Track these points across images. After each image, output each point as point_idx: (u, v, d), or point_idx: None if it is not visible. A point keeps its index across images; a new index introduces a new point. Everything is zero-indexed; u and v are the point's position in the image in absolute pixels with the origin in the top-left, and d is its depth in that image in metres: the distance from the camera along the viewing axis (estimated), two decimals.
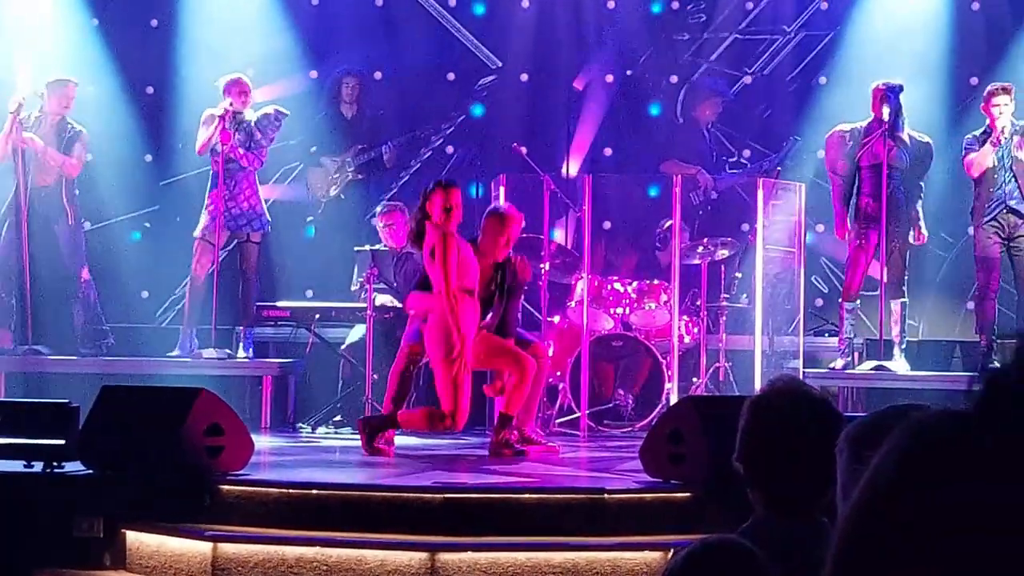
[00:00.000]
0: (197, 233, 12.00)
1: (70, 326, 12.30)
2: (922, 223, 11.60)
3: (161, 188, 13.69)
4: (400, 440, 10.57)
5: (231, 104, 11.84)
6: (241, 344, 12.03)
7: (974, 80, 13.31)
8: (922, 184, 11.71)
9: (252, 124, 12.01)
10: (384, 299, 11.72)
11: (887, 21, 13.47)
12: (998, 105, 11.39)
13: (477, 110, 14.24)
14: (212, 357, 11.69)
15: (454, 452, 9.98)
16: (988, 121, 11.52)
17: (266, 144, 12.11)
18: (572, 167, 12.94)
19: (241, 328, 12.07)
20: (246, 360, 11.90)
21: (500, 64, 14.14)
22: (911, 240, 11.59)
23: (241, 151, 11.90)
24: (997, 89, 11.54)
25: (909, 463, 1.13)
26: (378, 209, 12.35)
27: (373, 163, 13.60)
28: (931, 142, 11.80)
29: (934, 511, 0.95)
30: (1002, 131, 11.30)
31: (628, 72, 14.13)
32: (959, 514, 0.95)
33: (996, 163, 11.40)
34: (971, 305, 12.60)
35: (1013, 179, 11.42)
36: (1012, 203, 11.43)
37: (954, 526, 0.95)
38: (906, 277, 11.59)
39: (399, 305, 11.73)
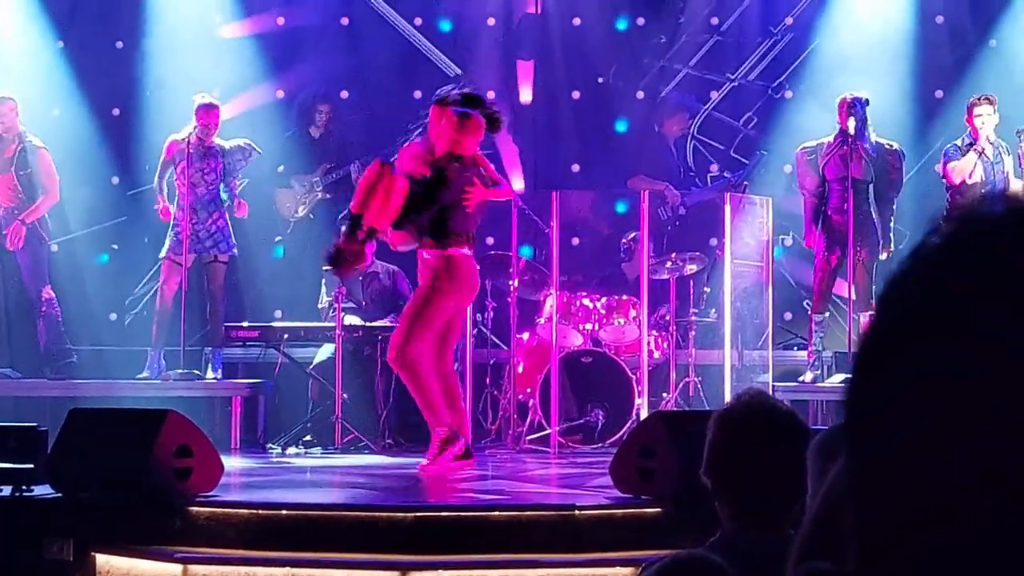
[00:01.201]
0: (163, 254, 11.97)
1: (34, 347, 12.25)
2: (890, 234, 11.62)
3: (128, 209, 13.65)
4: (369, 460, 10.57)
5: (196, 131, 11.81)
6: (210, 365, 12.00)
7: (939, 93, 13.39)
8: (894, 201, 11.73)
9: (222, 154, 11.97)
10: (352, 319, 11.71)
11: (853, 35, 13.54)
12: (980, 115, 11.48)
13: None
14: (179, 379, 11.67)
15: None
16: (970, 132, 11.59)
17: (235, 177, 12.10)
18: (516, 183, 12.93)
19: (210, 349, 12.05)
20: (215, 381, 11.88)
21: (460, 72, 14.14)
22: (880, 253, 11.62)
23: (200, 176, 11.87)
24: (979, 99, 11.63)
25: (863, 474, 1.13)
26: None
27: (342, 182, 13.59)
28: (901, 149, 11.84)
29: (888, 519, 0.95)
30: (988, 140, 11.39)
31: (595, 85, 14.16)
32: (912, 521, 0.96)
33: (981, 177, 11.46)
34: None
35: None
36: None
37: (908, 534, 0.95)
38: (874, 289, 11.64)
39: (367, 324, 11.73)
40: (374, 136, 14.00)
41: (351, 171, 13.57)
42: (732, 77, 14.01)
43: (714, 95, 14.08)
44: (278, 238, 13.70)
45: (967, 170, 11.53)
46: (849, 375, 1.01)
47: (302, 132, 13.71)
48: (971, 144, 11.57)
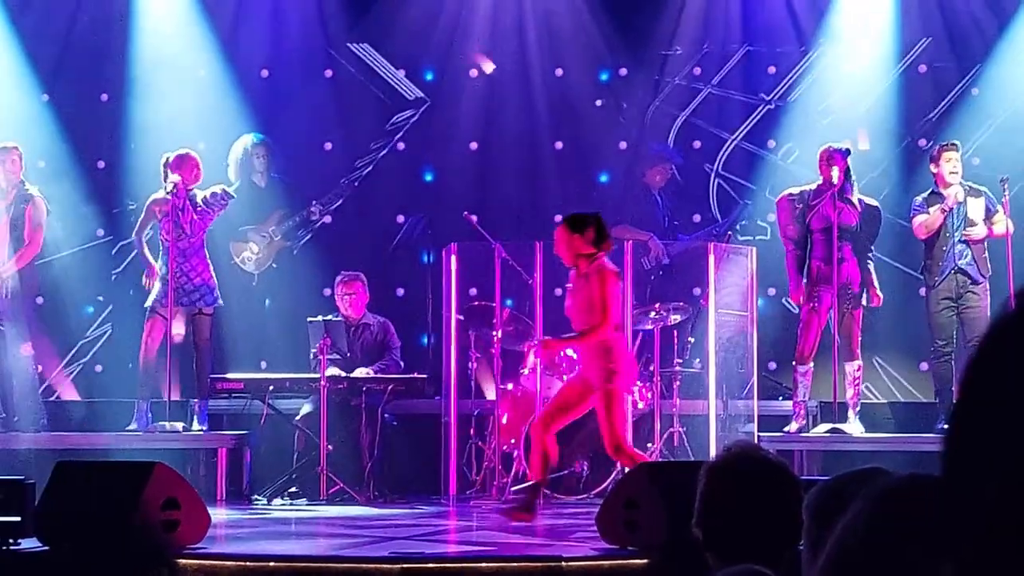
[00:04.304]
0: (149, 303, 11.95)
1: (11, 402, 12.20)
2: (876, 284, 11.67)
3: (114, 261, 13.67)
4: (355, 511, 10.56)
5: (176, 184, 11.78)
6: (196, 417, 11.99)
7: (923, 142, 13.46)
8: (872, 247, 11.79)
9: (200, 202, 11.97)
10: (337, 370, 11.72)
11: (835, 85, 13.63)
12: (950, 160, 11.55)
13: (427, 177, 14.31)
14: (167, 431, 11.65)
15: (411, 522, 9.96)
16: (936, 179, 11.67)
17: (209, 222, 12.08)
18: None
19: (195, 401, 12.04)
20: (201, 433, 11.86)
21: (421, 95, 14.25)
22: (865, 302, 11.65)
23: (181, 231, 11.87)
24: (945, 146, 11.70)
25: (877, 523, 1.17)
26: (339, 278, 12.35)
27: (303, 224, 13.59)
28: (879, 205, 11.93)
29: (901, 569, 0.99)
30: (955, 195, 11.46)
31: (578, 135, 14.22)
32: (925, 571, 0.99)
33: (947, 226, 11.54)
34: (925, 366, 12.71)
35: (964, 241, 11.56)
36: (962, 263, 11.57)
37: None
38: (860, 339, 11.67)
39: (351, 375, 11.73)
40: (321, 177, 14.06)
41: (313, 212, 13.59)
42: (734, 135, 14.07)
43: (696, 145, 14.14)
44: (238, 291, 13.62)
45: (934, 226, 11.60)
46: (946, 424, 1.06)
47: (247, 182, 13.64)
48: (935, 194, 11.64)
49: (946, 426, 1.15)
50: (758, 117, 14.03)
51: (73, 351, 13.59)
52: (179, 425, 11.80)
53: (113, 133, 13.80)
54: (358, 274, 12.32)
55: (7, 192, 12.11)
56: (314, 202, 13.67)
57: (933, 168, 11.72)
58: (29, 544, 7.64)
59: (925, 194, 11.79)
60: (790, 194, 11.80)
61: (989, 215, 11.62)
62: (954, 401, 1.10)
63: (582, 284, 9.30)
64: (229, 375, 11.93)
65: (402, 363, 12.29)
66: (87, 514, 7.52)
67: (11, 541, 7.62)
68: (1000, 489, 1.03)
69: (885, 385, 13.31)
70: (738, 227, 13.58)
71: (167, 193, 11.81)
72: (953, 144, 11.76)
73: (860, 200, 11.66)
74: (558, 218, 13.90)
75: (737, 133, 14.04)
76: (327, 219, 13.70)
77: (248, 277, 13.62)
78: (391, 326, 12.33)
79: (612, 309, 9.23)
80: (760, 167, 13.87)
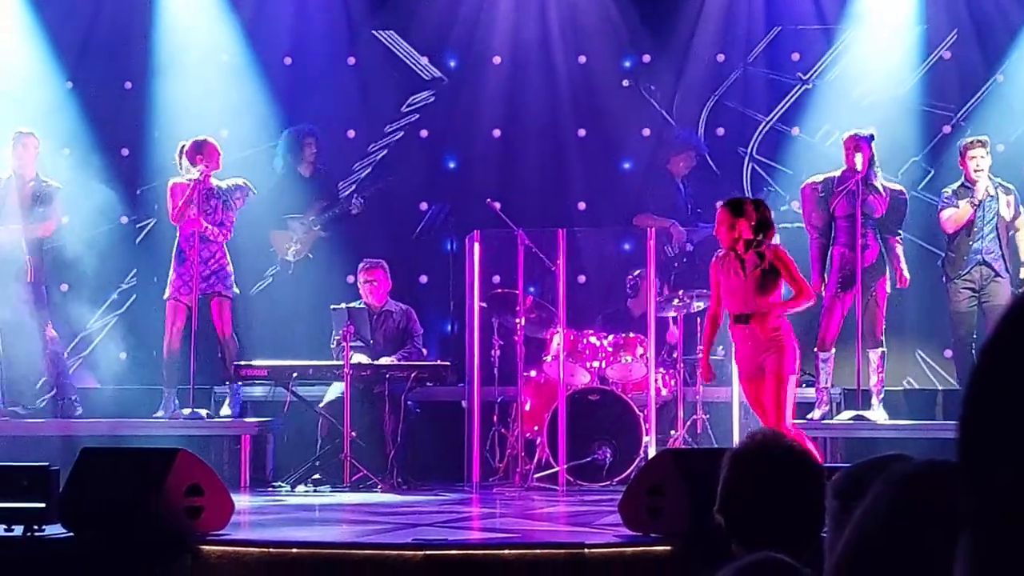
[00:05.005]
0: (167, 295, 11.97)
1: (40, 386, 12.26)
2: (903, 266, 11.62)
3: (137, 248, 13.70)
4: (378, 498, 10.57)
5: (202, 169, 11.79)
6: (228, 401, 12.00)
7: (947, 128, 13.41)
8: (900, 232, 11.75)
9: (221, 194, 11.97)
10: (360, 357, 11.73)
11: (859, 71, 13.57)
12: (975, 158, 11.52)
13: (450, 164, 14.31)
14: (192, 417, 11.68)
15: (434, 509, 9.97)
16: (964, 174, 11.63)
17: (232, 216, 12.07)
18: None
19: (227, 385, 12.06)
20: (226, 419, 11.88)
21: (439, 75, 14.27)
22: (888, 288, 11.61)
23: (207, 226, 11.86)
24: (972, 142, 11.66)
25: (896, 508, 1.16)
26: (361, 265, 12.36)
27: (339, 218, 13.60)
28: (904, 190, 11.88)
29: (920, 553, 0.99)
30: (985, 189, 11.44)
31: (601, 122, 14.20)
32: (943, 556, 0.99)
33: (976, 219, 11.51)
34: (949, 353, 12.69)
35: (994, 234, 11.54)
36: (988, 258, 11.55)
37: (939, 569, 0.98)
38: (884, 326, 11.64)
39: (375, 362, 11.75)
40: (378, 172, 14.08)
41: (351, 205, 13.59)
42: (768, 118, 14.01)
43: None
44: (269, 276, 13.63)
45: (962, 220, 11.58)
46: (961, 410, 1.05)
47: (291, 171, 13.68)
48: (964, 187, 11.62)
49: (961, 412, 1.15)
50: (793, 98, 13.94)
51: (97, 339, 13.60)
52: (203, 412, 11.83)
53: (137, 120, 13.82)
54: (379, 261, 12.32)
55: (22, 178, 12.12)
56: (355, 195, 13.67)
57: (962, 164, 11.70)
58: (53, 530, 7.67)
59: (955, 186, 11.76)
60: (813, 182, 11.77)
61: (1017, 215, 11.64)
62: (968, 386, 1.10)
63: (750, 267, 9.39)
64: (253, 362, 11.93)
65: (424, 350, 12.30)
66: (111, 501, 7.54)
67: (36, 528, 7.65)
68: (1014, 474, 1.03)
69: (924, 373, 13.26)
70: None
71: (190, 179, 11.80)
72: (980, 141, 11.71)
73: (884, 186, 11.62)
74: (581, 205, 13.98)
75: (772, 115, 13.98)
76: (356, 209, 13.70)
77: (284, 265, 13.63)
78: (413, 313, 12.33)
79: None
80: (796, 150, 13.78)
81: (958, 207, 11.62)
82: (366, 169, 14.20)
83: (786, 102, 13.92)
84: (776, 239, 9.69)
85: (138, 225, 13.76)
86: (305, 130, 13.69)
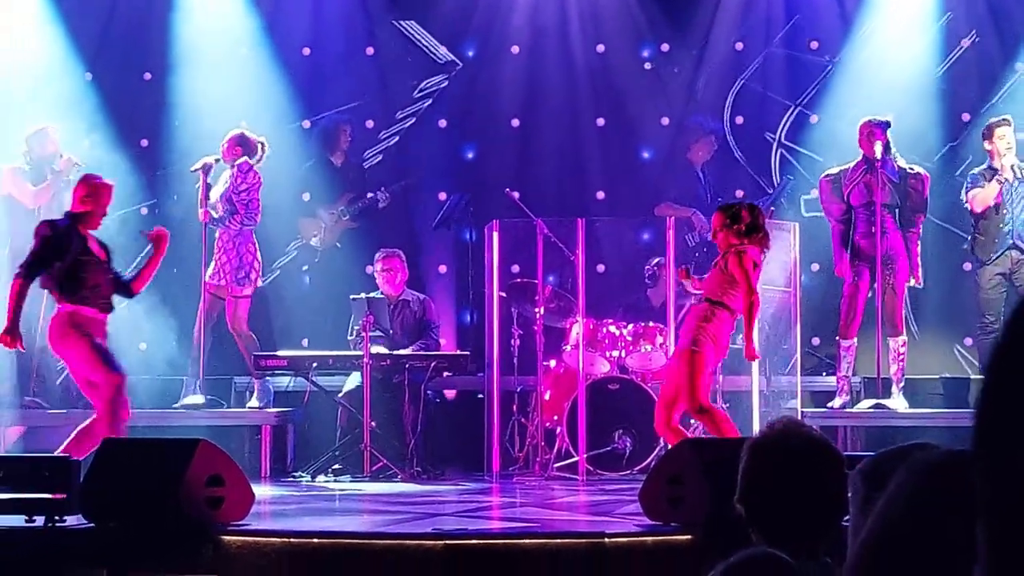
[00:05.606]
0: (208, 277, 11.98)
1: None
2: (918, 264, 11.59)
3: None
4: (398, 488, 10.59)
5: (219, 160, 11.86)
6: (256, 393, 12.02)
7: (965, 116, 13.38)
8: (920, 221, 11.70)
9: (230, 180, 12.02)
10: (379, 347, 11.74)
11: (877, 58, 13.53)
12: (1003, 137, 11.49)
13: (469, 154, 14.32)
14: (192, 404, 11.71)
15: (454, 498, 9.98)
16: (989, 156, 11.61)
17: (246, 199, 12.03)
18: None
19: (250, 378, 12.10)
20: (249, 409, 11.91)
21: (453, 59, 14.27)
22: (908, 278, 11.60)
23: (218, 213, 11.90)
24: (999, 121, 11.64)
25: (919, 497, 1.16)
26: (378, 255, 12.38)
27: (368, 210, 13.63)
28: (924, 172, 11.80)
29: (943, 542, 0.98)
30: (1011, 167, 11.41)
31: (620, 112, 14.19)
32: (966, 545, 0.98)
33: (1005, 200, 11.49)
34: (969, 341, 12.66)
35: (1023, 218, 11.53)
36: (1020, 241, 11.54)
37: (961, 557, 0.98)
38: (904, 314, 11.63)
39: (395, 352, 11.76)
40: (398, 164, 14.08)
41: (378, 199, 13.61)
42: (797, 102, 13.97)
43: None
44: (305, 267, 13.74)
45: (989, 199, 11.55)
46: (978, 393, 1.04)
47: (323, 160, 13.74)
48: (992, 169, 11.59)
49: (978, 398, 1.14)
50: (821, 83, 13.89)
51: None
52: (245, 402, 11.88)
53: (156, 112, 13.84)
54: (395, 251, 12.34)
55: (42, 170, 12.15)
56: (382, 188, 13.69)
57: (987, 145, 11.67)
58: (74, 521, 7.69)
59: (982, 167, 11.75)
60: (829, 175, 11.76)
61: None
62: (984, 374, 1.09)
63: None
64: (274, 352, 11.95)
65: (442, 341, 12.30)
66: (132, 491, 7.56)
67: (57, 518, 7.67)
68: None
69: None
70: (802, 200, 13.51)
71: (234, 169, 11.85)
72: (1005, 119, 11.69)
73: (903, 170, 11.59)
74: (600, 195, 13.98)
75: (800, 98, 13.94)
76: (382, 202, 13.72)
77: (306, 254, 13.67)
78: (431, 303, 12.35)
79: None
80: (823, 136, 13.73)
81: (983, 187, 11.61)
82: (378, 156, 14.21)
83: (814, 87, 13.87)
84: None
85: (159, 219, 13.78)
86: (341, 119, 13.74)
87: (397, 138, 14.25)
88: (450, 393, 12.91)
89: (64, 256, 9.36)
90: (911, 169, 11.71)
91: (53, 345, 9.60)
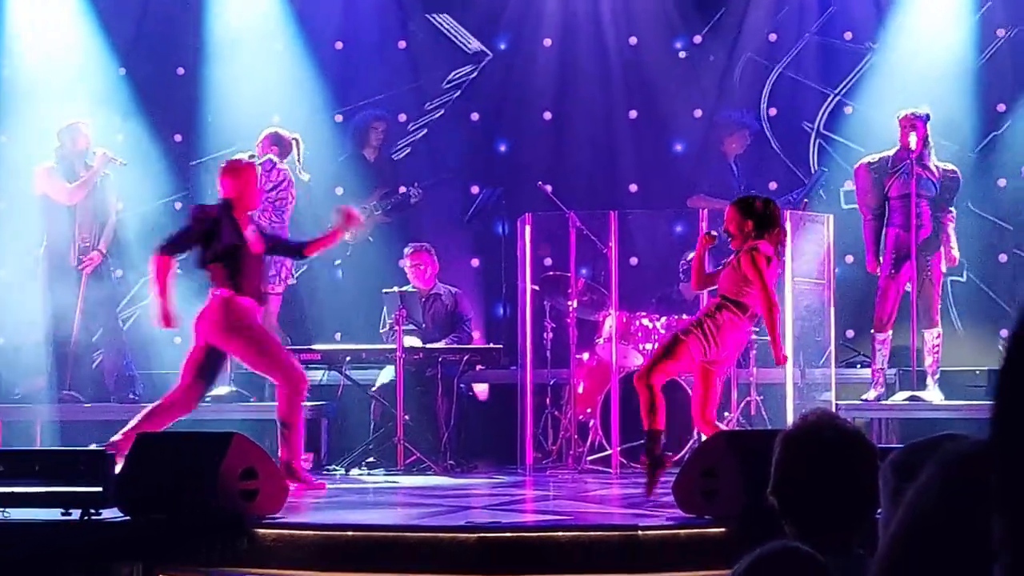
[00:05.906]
0: None
1: (100, 372, 12.37)
2: (954, 245, 11.56)
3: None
4: (432, 480, 10.60)
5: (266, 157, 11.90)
6: None
7: (1001, 107, 13.32)
8: (952, 209, 11.67)
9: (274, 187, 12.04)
10: (413, 340, 11.75)
11: (912, 49, 13.46)
12: None
13: (501, 148, 14.32)
14: (217, 396, 11.74)
15: (487, 491, 9.99)
16: None
17: (273, 198, 12.03)
18: None
19: None
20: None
21: (482, 48, 14.27)
22: (943, 268, 11.56)
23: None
24: None
25: (950, 488, 1.16)
26: (407, 250, 12.40)
27: (399, 205, 13.65)
28: (957, 171, 11.78)
29: (972, 533, 0.98)
30: None
31: (653, 104, 14.17)
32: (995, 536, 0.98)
33: None
34: (1005, 332, 12.62)
35: None
36: None
37: (991, 548, 0.98)
38: (939, 306, 11.59)
39: (427, 346, 11.77)
40: (432, 159, 14.09)
41: (410, 194, 13.62)
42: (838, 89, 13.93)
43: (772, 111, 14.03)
44: (337, 261, 13.76)
45: None
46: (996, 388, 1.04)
47: (356, 155, 13.77)
48: None
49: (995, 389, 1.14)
50: (861, 71, 13.84)
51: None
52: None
53: (190, 106, 13.88)
54: (423, 245, 12.35)
55: (72, 166, 12.19)
56: (415, 184, 13.71)
57: None
58: (110, 514, 7.72)
59: None
60: (868, 162, 11.71)
61: None
62: (1001, 367, 1.09)
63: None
64: (308, 346, 11.97)
65: (475, 335, 12.30)
66: (167, 484, 7.58)
67: (93, 511, 7.70)
68: None
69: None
70: (842, 193, 13.47)
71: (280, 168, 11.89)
72: None
73: (937, 166, 11.56)
74: (633, 187, 13.96)
75: (839, 88, 13.90)
76: (415, 198, 13.73)
77: (338, 248, 13.69)
78: (463, 297, 12.36)
79: None
80: (862, 125, 13.67)
81: None
82: (406, 149, 14.22)
83: (853, 76, 13.81)
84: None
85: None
86: (374, 114, 13.76)
87: (425, 130, 14.26)
88: (482, 395, 12.91)
89: (212, 243, 9.37)
90: (946, 167, 11.67)
91: (205, 332, 9.57)
